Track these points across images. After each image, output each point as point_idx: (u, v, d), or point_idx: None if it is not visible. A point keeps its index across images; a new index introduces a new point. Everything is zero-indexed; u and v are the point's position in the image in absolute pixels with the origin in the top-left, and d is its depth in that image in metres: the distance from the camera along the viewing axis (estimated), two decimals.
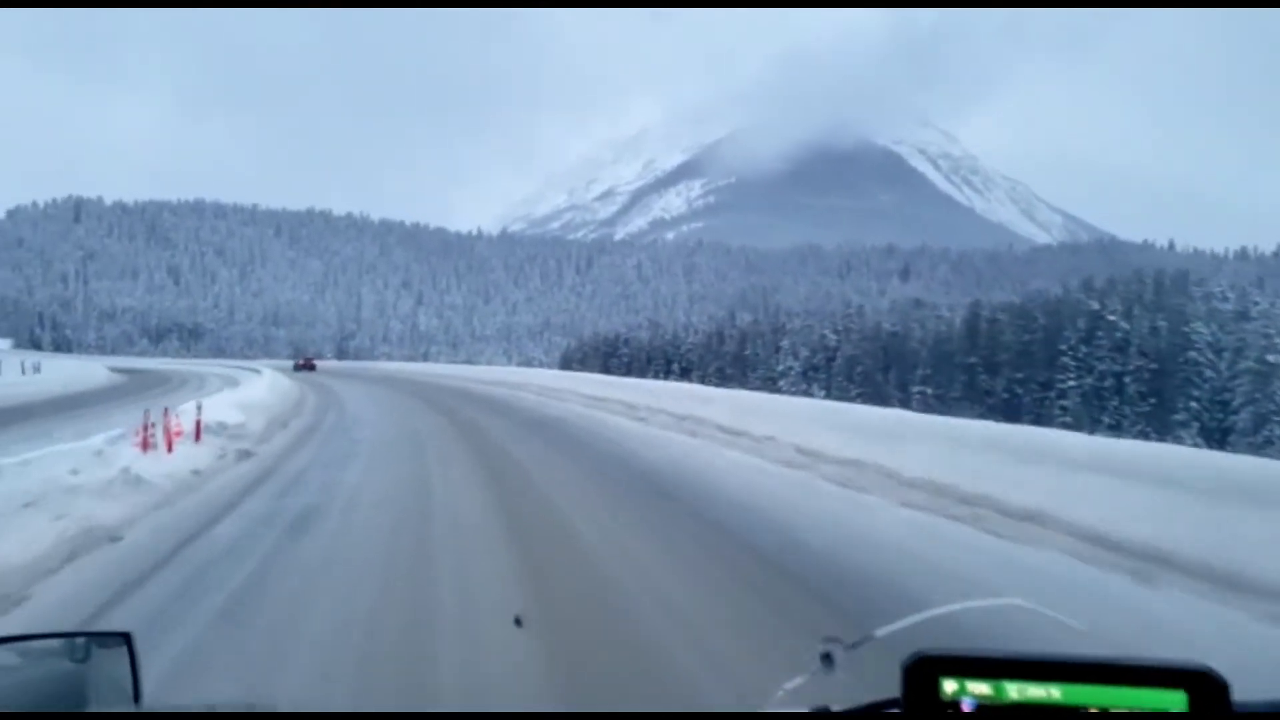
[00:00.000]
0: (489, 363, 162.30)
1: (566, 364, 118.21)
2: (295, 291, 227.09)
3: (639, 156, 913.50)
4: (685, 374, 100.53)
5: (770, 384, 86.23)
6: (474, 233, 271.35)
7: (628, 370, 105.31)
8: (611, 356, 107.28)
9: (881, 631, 1.25)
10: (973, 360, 65.68)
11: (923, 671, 0.88)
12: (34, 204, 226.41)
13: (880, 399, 78.56)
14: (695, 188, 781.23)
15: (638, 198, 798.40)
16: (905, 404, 75.99)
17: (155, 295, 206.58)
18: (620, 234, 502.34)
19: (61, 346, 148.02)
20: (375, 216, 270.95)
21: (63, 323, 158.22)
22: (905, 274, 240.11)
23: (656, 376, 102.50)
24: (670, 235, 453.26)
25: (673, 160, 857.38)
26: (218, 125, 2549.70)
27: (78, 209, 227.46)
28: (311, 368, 62.86)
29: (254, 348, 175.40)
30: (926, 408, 71.39)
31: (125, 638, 1.29)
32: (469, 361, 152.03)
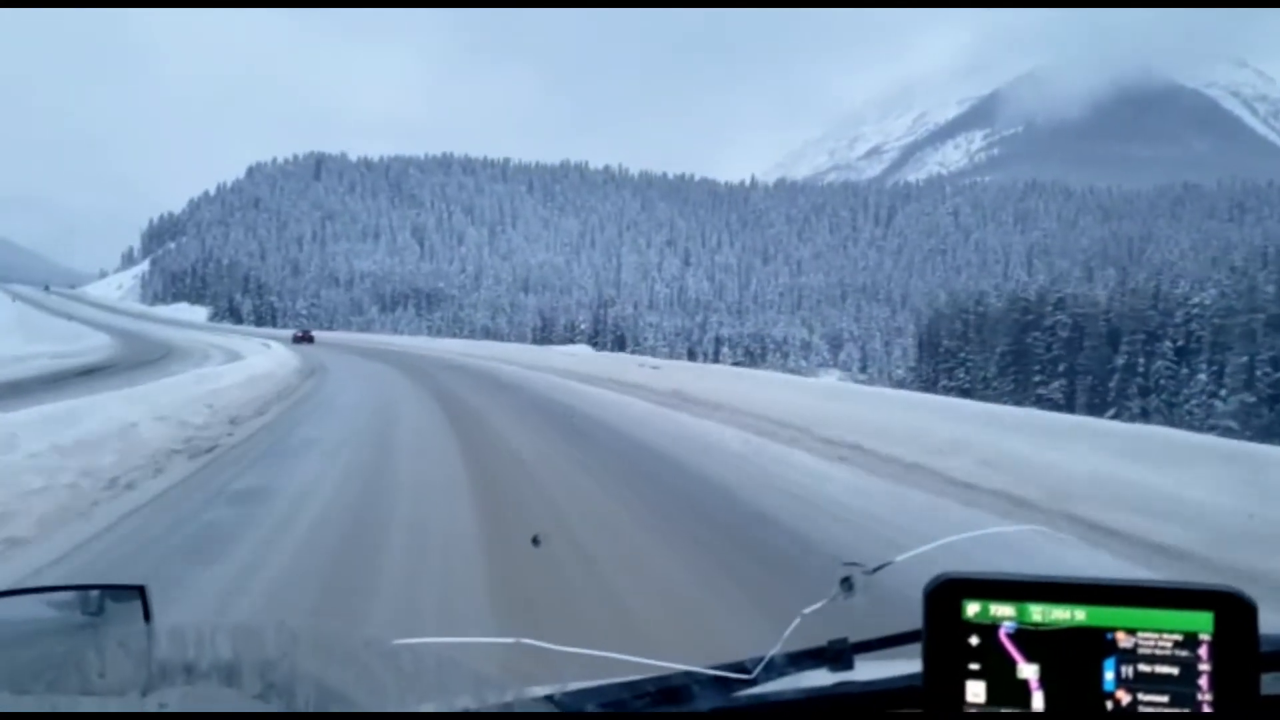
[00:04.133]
0: (787, 342, 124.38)
1: (933, 341, 76.31)
2: (548, 253, 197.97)
3: (908, 111, 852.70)
4: (1186, 353, 55.93)
5: None
6: (746, 183, 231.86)
7: (1066, 349, 62.14)
8: (1029, 331, 64.17)
9: (902, 557, 1.26)
10: None
11: (946, 594, 0.86)
12: (274, 161, 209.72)
13: None
14: (976, 139, 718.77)
15: (909, 153, 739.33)
16: None
17: (396, 258, 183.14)
18: None
19: (265, 318, 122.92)
20: (634, 169, 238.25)
21: (269, 287, 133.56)
22: None
23: (1149, 362, 58.63)
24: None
25: (947, 113, 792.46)
26: (469, 78, 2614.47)
27: (318, 166, 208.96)
28: (310, 340, 60.39)
29: (499, 318, 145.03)
30: None
31: (140, 590, 1.29)
32: (767, 338, 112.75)
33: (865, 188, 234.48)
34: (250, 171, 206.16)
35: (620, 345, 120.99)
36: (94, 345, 41.98)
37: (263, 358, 24.78)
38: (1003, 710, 0.85)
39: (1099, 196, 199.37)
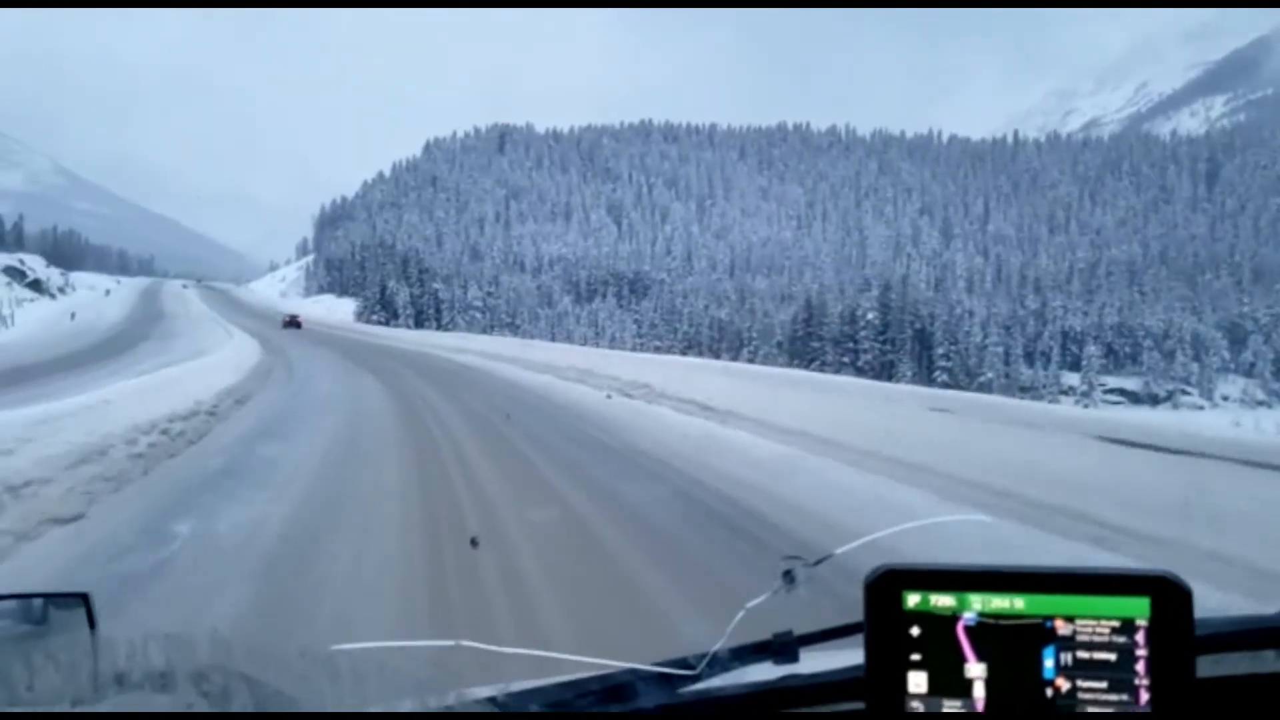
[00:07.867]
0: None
1: None
2: (771, 228, 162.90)
3: (1125, 81, 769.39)
4: None
5: None
6: (1008, 139, 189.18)
7: None
8: None
9: (842, 549, 1.24)
10: None
11: (886, 585, 0.86)
12: (453, 135, 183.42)
13: None
14: (1216, 106, 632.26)
15: (1134, 125, 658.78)
16: None
17: (590, 240, 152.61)
18: None
19: (425, 312, 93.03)
20: (863, 129, 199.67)
21: (433, 274, 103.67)
22: None
23: None
24: None
25: (1175, 80, 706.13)
26: (666, 37, 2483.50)
27: (502, 139, 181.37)
28: (298, 325, 58.71)
29: (724, 307, 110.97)
30: None
31: (83, 598, 1.25)
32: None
33: (1173, 140, 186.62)
34: (427, 148, 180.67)
35: (923, 344, 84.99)
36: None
37: None
38: (944, 700, 0.86)
39: None
